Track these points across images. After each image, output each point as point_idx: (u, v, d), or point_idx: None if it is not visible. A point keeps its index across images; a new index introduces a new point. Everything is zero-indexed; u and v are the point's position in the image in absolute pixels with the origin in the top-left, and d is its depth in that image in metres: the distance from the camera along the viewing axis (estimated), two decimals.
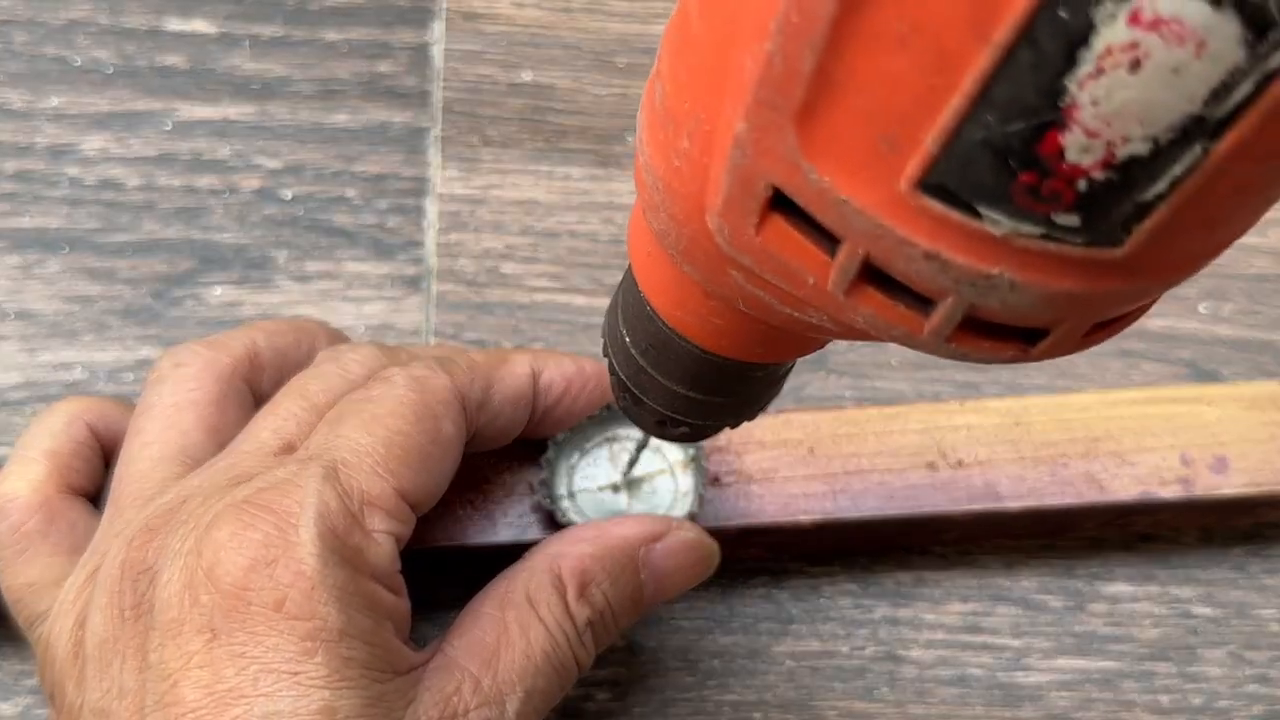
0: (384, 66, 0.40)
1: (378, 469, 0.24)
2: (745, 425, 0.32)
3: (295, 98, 0.40)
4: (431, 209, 0.39)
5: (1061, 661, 0.34)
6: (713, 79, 0.14)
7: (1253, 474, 0.34)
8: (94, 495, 0.29)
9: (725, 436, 0.32)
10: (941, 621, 0.35)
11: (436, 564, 0.31)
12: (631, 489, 0.32)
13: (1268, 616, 0.35)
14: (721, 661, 0.34)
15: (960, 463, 0.33)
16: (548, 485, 0.31)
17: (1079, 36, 0.10)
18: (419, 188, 0.39)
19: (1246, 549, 0.36)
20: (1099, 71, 0.10)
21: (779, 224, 0.14)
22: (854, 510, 0.32)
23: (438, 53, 0.41)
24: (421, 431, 0.25)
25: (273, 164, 0.39)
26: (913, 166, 0.12)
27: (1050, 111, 0.11)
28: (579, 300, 0.38)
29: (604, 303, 0.38)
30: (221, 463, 0.26)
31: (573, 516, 0.31)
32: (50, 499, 0.28)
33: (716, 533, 0.30)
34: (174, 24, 0.40)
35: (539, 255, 0.38)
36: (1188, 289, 0.39)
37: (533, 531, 0.31)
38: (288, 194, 0.39)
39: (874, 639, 0.34)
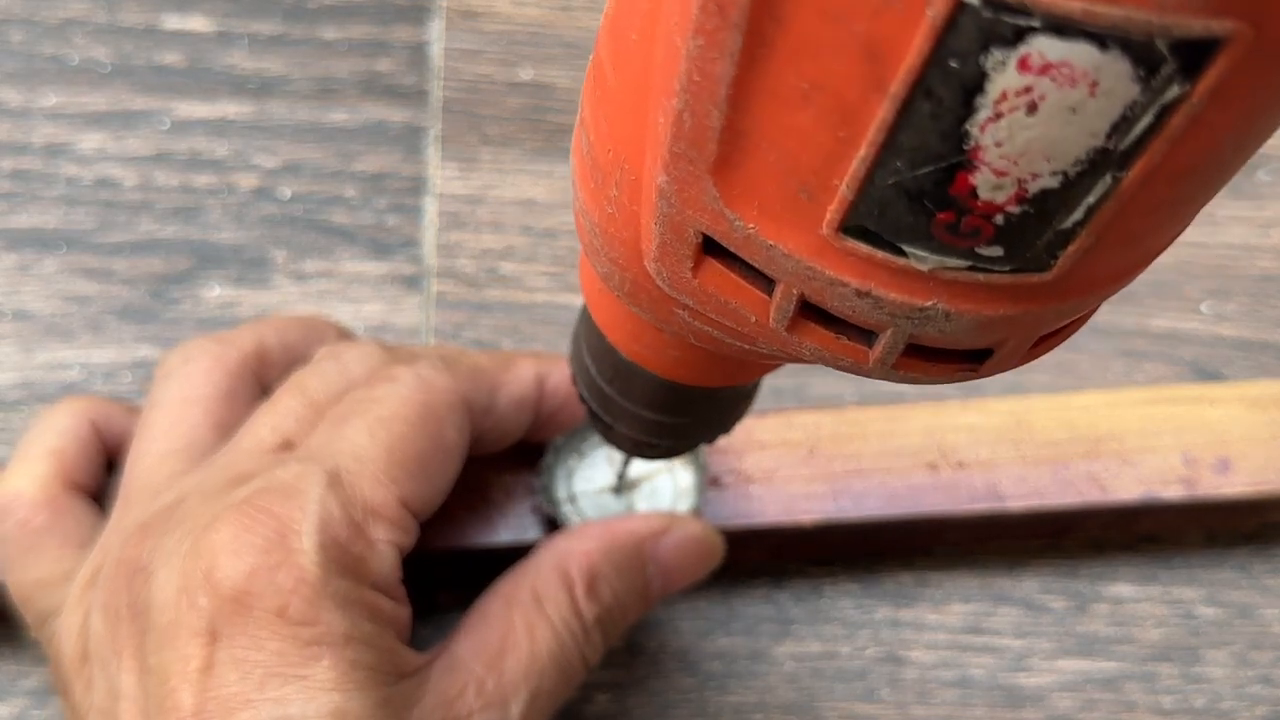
0: (382, 65, 0.40)
1: (380, 476, 0.24)
2: (744, 426, 0.32)
3: (293, 96, 0.40)
4: (430, 208, 0.38)
5: (1064, 663, 0.34)
6: (632, 129, 0.14)
7: (1255, 474, 0.34)
8: (97, 494, 0.29)
9: (725, 437, 0.32)
10: (943, 623, 0.35)
11: (436, 567, 0.31)
12: (632, 489, 0.32)
13: (1271, 617, 0.35)
14: (722, 663, 0.34)
15: (962, 463, 0.33)
16: (548, 489, 0.31)
17: (973, 85, 0.10)
18: (418, 187, 0.39)
19: (1249, 550, 0.36)
20: (998, 115, 0.10)
21: (714, 266, 0.14)
22: (855, 511, 0.32)
23: (436, 51, 0.41)
24: (425, 436, 0.25)
25: (270, 163, 0.39)
26: (832, 212, 0.12)
27: (956, 155, 0.11)
28: (578, 300, 0.37)
29: None
30: (220, 460, 0.26)
31: (574, 520, 0.31)
32: (56, 495, 0.28)
33: None
34: (171, 22, 0.40)
35: (538, 255, 0.38)
36: (1191, 289, 0.39)
37: (532, 534, 0.31)
38: (286, 193, 0.38)
39: (875, 640, 0.34)
